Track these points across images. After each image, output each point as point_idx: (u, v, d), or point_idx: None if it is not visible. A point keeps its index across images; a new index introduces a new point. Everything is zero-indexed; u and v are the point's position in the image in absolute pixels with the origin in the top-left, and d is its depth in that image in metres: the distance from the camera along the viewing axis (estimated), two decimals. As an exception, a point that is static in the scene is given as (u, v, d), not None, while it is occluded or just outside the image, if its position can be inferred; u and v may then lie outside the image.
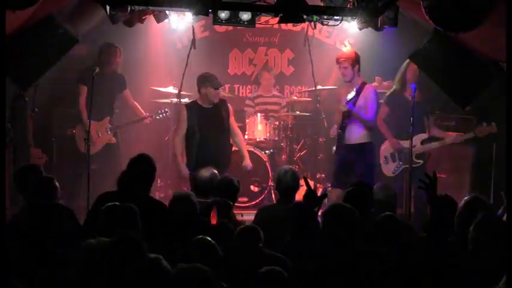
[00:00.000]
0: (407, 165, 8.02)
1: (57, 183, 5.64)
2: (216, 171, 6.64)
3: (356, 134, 7.91)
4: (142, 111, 9.12)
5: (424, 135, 8.38)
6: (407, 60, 8.34)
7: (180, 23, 8.76)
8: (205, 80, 7.90)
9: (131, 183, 5.62)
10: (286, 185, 6.21)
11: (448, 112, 8.76)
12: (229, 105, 8.17)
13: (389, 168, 8.53)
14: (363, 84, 7.96)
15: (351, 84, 8.01)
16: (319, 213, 4.99)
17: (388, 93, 8.65)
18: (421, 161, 8.27)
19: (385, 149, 8.54)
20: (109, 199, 5.34)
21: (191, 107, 8.01)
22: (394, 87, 8.56)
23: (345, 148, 7.96)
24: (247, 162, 8.26)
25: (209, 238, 4.45)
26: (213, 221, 5.45)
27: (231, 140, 8.17)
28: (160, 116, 9.03)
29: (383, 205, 5.71)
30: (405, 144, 8.14)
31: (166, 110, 9.04)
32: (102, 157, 8.74)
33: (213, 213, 5.53)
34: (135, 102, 9.14)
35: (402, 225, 5.15)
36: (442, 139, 8.42)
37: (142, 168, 5.70)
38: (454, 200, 5.23)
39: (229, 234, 4.89)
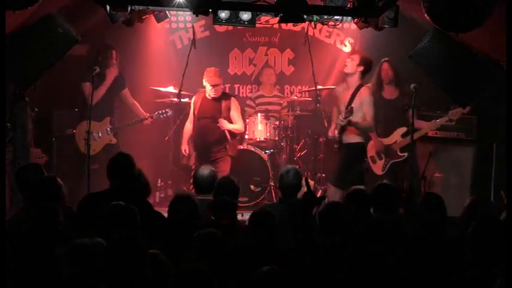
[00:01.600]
0: (394, 160, 8.46)
1: (60, 181, 5.64)
2: (214, 169, 6.66)
3: (354, 134, 8.01)
4: (143, 110, 9.10)
5: (403, 129, 8.48)
6: (381, 60, 8.53)
7: (180, 22, 8.77)
8: (206, 74, 8.60)
9: (114, 182, 5.63)
10: (288, 183, 6.22)
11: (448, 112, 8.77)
12: (233, 99, 8.78)
13: (378, 167, 8.65)
14: (360, 86, 7.98)
15: (348, 83, 8.08)
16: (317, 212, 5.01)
17: None
18: (405, 154, 8.40)
19: (370, 149, 8.62)
20: (94, 200, 5.41)
21: (199, 95, 8.79)
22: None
23: (345, 147, 8.03)
24: (222, 122, 8.61)
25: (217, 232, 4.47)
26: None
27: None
28: (161, 116, 9.01)
29: None
30: (386, 141, 8.50)
31: (167, 110, 9.02)
32: (102, 157, 8.70)
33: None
34: (135, 102, 9.13)
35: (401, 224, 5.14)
36: (419, 129, 8.50)
37: (118, 165, 5.69)
38: (440, 198, 5.25)
39: (233, 235, 4.89)
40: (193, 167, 8.60)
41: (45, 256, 4.28)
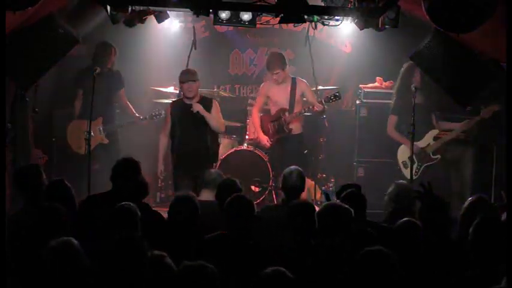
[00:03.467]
0: (428, 163, 8.57)
1: (68, 184, 5.65)
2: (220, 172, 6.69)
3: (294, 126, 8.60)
4: (134, 111, 9.04)
5: (435, 131, 8.66)
6: (406, 66, 8.56)
7: (181, 23, 8.76)
8: (179, 76, 8.06)
9: (116, 186, 5.64)
10: (292, 185, 6.21)
11: (449, 112, 8.78)
12: (214, 102, 8.21)
13: (411, 172, 8.55)
14: (294, 80, 8.62)
15: (282, 83, 8.60)
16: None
17: (393, 103, 8.82)
18: (438, 157, 8.62)
19: (401, 154, 8.72)
20: (95, 202, 5.40)
21: (175, 103, 8.27)
22: (396, 95, 8.75)
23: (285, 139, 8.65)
24: (195, 105, 7.99)
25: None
26: None
27: (217, 136, 8.35)
28: (154, 118, 8.88)
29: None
30: (420, 144, 8.54)
31: (160, 111, 8.95)
32: (94, 157, 8.61)
33: None
34: (128, 103, 9.07)
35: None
36: (453, 129, 8.64)
37: (122, 171, 5.70)
38: (446, 202, 5.26)
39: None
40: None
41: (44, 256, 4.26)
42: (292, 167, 6.55)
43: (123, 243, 3.98)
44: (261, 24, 7.54)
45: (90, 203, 5.68)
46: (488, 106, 8.27)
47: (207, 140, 8.10)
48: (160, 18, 7.74)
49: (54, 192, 5.50)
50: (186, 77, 7.95)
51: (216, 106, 8.15)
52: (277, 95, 8.67)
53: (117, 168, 5.73)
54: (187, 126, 8.03)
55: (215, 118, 8.03)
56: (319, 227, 4.70)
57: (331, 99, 8.47)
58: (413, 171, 8.58)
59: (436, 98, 8.49)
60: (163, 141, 8.22)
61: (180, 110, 8.08)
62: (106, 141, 8.83)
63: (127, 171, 5.72)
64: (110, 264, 3.94)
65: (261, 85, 8.95)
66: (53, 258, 4.02)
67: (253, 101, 9.90)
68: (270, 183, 8.84)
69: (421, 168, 8.64)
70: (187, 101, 8.02)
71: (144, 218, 4.97)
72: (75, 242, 4.12)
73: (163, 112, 8.64)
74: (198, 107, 7.93)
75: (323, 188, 9.43)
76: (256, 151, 8.98)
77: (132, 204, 4.95)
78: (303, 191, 6.39)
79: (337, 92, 8.52)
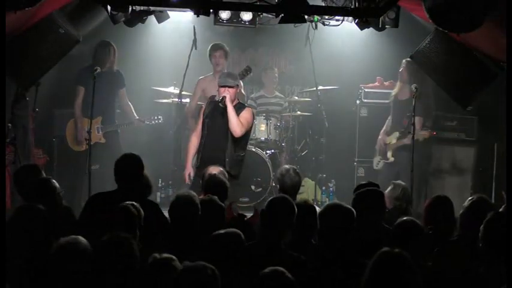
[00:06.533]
0: (385, 160, 8.68)
1: (55, 183, 5.61)
2: (223, 170, 6.59)
3: None
4: (135, 113, 9.01)
5: (397, 134, 8.59)
6: (403, 62, 8.54)
7: (181, 23, 8.76)
8: (218, 78, 7.80)
9: (118, 183, 5.61)
10: (290, 184, 6.22)
11: (449, 112, 8.79)
12: (248, 109, 7.73)
13: (375, 162, 8.94)
14: None
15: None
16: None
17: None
18: (392, 159, 8.58)
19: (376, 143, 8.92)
20: (101, 199, 5.39)
21: (210, 102, 7.83)
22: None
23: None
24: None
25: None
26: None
27: (240, 149, 7.71)
28: (152, 122, 8.89)
29: None
30: (386, 140, 8.69)
31: (159, 117, 8.91)
32: (92, 156, 8.53)
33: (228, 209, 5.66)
34: (129, 103, 8.99)
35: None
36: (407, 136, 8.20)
37: (124, 168, 5.64)
38: (447, 199, 5.27)
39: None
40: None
41: (43, 256, 4.27)
42: (288, 166, 6.62)
43: (111, 243, 3.99)
44: (261, 24, 7.53)
45: (96, 201, 5.65)
46: (423, 131, 8.19)
47: (226, 148, 7.55)
48: (161, 18, 7.74)
49: (37, 192, 5.47)
50: (220, 81, 7.60)
51: (246, 112, 7.62)
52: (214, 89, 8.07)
53: (120, 165, 5.68)
54: (213, 128, 7.64)
55: (237, 117, 7.43)
56: (321, 227, 4.69)
57: (244, 74, 8.52)
58: (375, 163, 8.88)
59: (425, 103, 8.30)
60: (194, 142, 7.75)
61: (212, 108, 7.69)
62: (103, 140, 8.81)
63: (130, 168, 5.65)
64: (98, 264, 3.96)
65: (198, 80, 8.97)
66: (61, 256, 4.02)
67: (253, 102, 9.89)
68: (270, 183, 8.85)
69: (380, 162, 8.81)
70: (222, 104, 7.57)
71: (149, 217, 4.97)
72: (84, 240, 4.12)
73: (161, 118, 8.81)
74: (227, 95, 7.43)
75: (323, 188, 9.46)
76: (256, 151, 8.99)
77: (131, 203, 4.94)
78: (299, 189, 6.41)
79: (246, 67, 8.65)
